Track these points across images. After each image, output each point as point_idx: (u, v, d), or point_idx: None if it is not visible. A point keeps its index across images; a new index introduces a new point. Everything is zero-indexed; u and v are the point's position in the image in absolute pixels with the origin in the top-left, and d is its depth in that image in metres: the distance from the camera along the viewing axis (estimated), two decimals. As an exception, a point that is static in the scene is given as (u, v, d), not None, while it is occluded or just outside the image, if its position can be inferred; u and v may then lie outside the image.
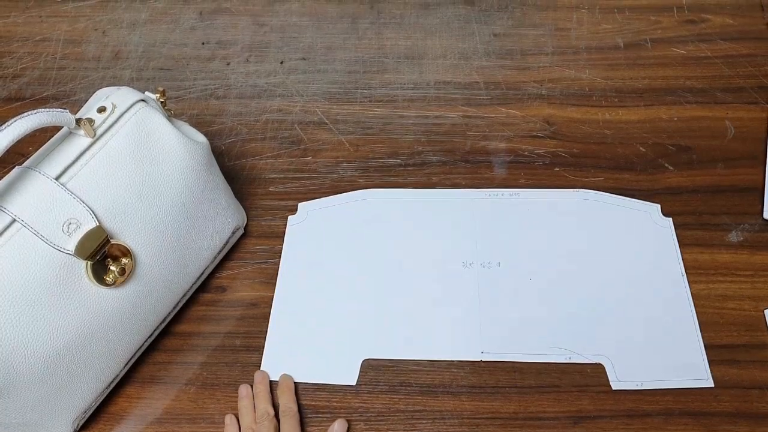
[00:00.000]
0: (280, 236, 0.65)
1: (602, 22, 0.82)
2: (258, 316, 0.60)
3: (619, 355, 0.56)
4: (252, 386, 0.55)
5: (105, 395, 0.55)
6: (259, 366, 0.57)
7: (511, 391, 0.55)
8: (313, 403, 0.55)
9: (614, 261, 0.62)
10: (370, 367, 0.57)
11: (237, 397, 0.55)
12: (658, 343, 0.57)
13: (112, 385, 0.55)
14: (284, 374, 0.56)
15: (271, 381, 0.56)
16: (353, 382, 0.56)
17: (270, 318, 0.60)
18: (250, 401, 0.54)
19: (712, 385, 0.54)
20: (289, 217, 0.66)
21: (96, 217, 0.48)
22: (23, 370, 0.46)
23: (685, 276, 0.60)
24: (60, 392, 0.50)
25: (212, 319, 0.60)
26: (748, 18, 0.81)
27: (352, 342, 0.58)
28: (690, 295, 0.59)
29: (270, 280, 0.62)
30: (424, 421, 0.54)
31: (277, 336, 0.59)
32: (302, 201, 0.67)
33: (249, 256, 0.64)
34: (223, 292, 0.62)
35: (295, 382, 0.55)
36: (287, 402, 0.53)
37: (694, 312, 0.58)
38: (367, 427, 0.54)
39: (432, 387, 0.56)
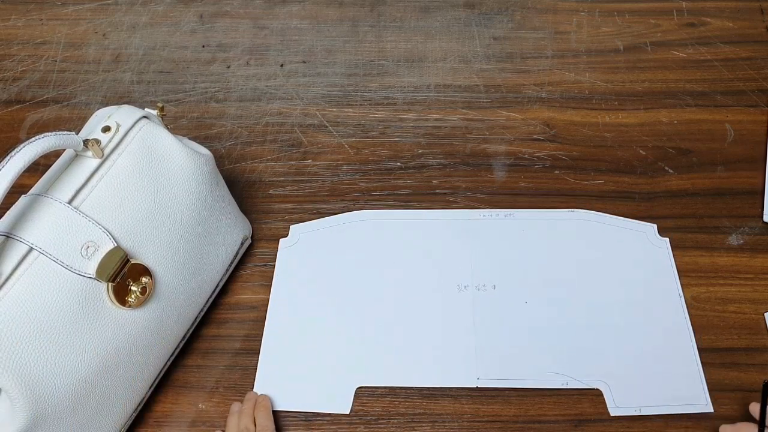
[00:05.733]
0: (280, 239, 0.65)
1: (602, 26, 0.82)
2: (258, 319, 0.60)
3: (617, 380, 0.55)
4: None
5: (132, 419, 0.53)
6: (256, 369, 0.57)
7: (511, 395, 0.55)
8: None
9: (611, 283, 0.60)
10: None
11: (236, 400, 0.56)
12: (656, 368, 0.55)
13: (139, 409, 0.54)
14: (262, 394, 0.55)
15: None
16: (347, 411, 0.55)
17: (261, 346, 0.58)
18: (236, 417, 0.54)
19: (711, 411, 0.54)
20: (281, 240, 0.65)
21: (113, 238, 0.47)
22: (53, 402, 0.45)
23: (683, 297, 0.59)
24: (90, 423, 0.48)
25: (212, 322, 0.60)
26: (747, 21, 0.81)
27: (345, 370, 0.57)
28: (688, 318, 0.58)
29: (269, 282, 0.62)
30: (424, 424, 0.54)
31: (269, 365, 0.57)
32: (302, 203, 0.67)
33: (249, 259, 0.64)
34: (222, 294, 0.62)
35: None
36: (263, 420, 0.53)
37: (693, 335, 0.57)
38: (367, 430, 0.54)
39: (432, 390, 0.56)
